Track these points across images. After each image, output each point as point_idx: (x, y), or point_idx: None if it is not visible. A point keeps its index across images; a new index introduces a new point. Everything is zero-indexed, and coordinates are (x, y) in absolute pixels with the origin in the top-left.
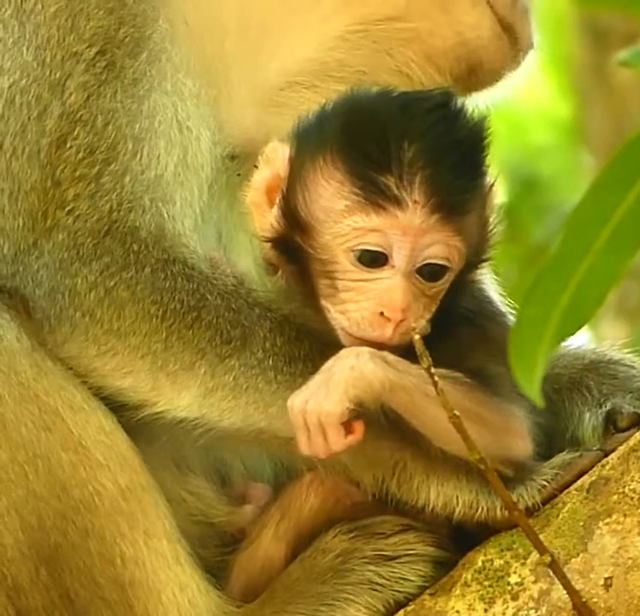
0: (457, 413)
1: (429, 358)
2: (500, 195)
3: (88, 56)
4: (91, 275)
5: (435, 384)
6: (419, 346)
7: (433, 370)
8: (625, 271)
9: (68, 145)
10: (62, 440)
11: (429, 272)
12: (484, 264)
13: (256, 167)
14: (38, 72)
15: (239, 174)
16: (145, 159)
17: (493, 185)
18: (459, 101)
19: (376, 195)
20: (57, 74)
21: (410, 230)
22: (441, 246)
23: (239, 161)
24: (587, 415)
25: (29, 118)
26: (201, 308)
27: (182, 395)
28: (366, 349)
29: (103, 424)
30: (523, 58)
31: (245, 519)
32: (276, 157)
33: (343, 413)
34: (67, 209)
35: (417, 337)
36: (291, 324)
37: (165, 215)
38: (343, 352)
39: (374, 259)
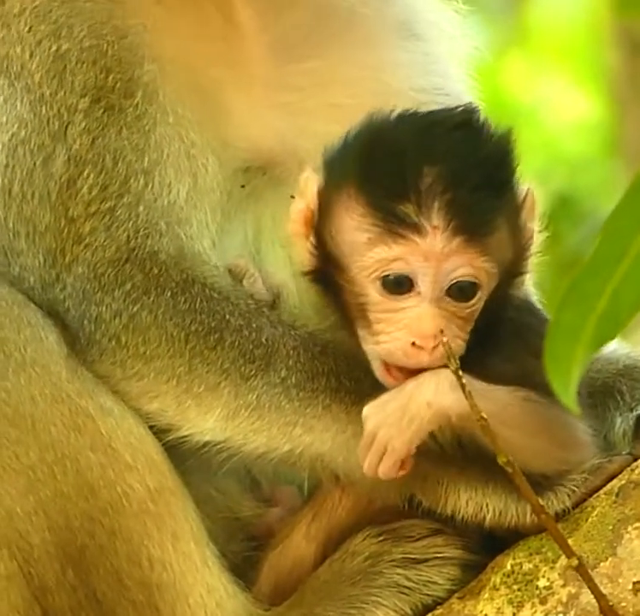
0: (484, 416)
1: (457, 361)
2: (539, 204)
3: (84, 106)
4: (114, 303)
5: (462, 386)
6: (446, 350)
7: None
8: None
9: (79, 186)
10: (91, 441)
11: (459, 292)
12: (524, 276)
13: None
14: (36, 124)
15: (242, 186)
16: (156, 188)
17: (528, 195)
18: (482, 117)
19: (395, 224)
20: (56, 125)
21: (432, 256)
22: (466, 268)
23: (254, 172)
24: (618, 419)
25: (35, 164)
26: (223, 329)
27: (207, 417)
28: (446, 375)
29: (133, 428)
30: None
31: (272, 519)
32: (308, 189)
33: (410, 451)
34: (84, 243)
35: (444, 339)
36: (315, 341)
37: (183, 236)
38: (424, 376)
39: (399, 284)
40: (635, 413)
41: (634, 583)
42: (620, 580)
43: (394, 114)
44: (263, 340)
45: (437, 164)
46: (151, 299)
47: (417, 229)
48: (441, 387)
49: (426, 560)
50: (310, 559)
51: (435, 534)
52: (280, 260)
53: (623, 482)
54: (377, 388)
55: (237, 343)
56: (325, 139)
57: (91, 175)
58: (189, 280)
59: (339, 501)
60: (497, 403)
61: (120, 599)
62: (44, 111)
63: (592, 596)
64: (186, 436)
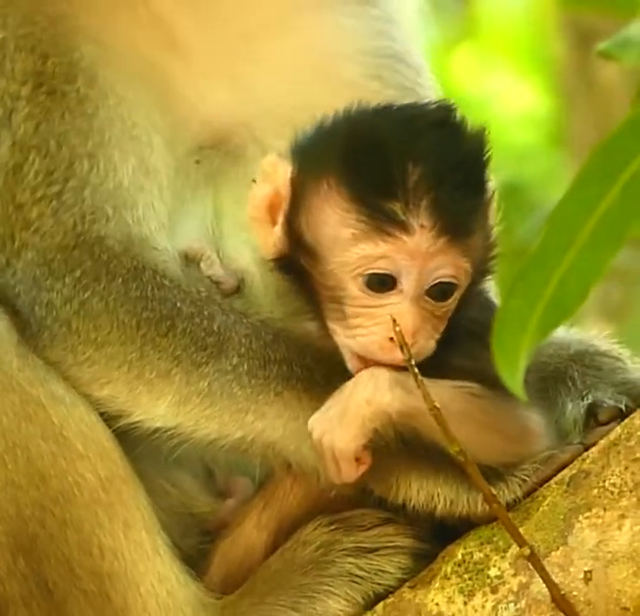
0: (437, 406)
1: (415, 369)
2: (498, 205)
3: (26, 92)
4: (64, 289)
5: (417, 380)
6: (407, 352)
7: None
8: (608, 266)
9: (25, 171)
10: (42, 430)
11: (438, 293)
12: (489, 275)
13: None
14: None
15: (197, 162)
16: (101, 172)
17: (492, 196)
18: (458, 114)
19: (382, 222)
20: (0, 113)
21: (418, 255)
22: (448, 268)
23: (208, 150)
24: (569, 406)
25: None
26: (174, 316)
27: (158, 404)
28: (384, 374)
29: (84, 416)
30: None
31: (226, 513)
32: (276, 174)
33: (357, 450)
34: (32, 229)
35: (397, 329)
36: (267, 328)
37: (129, 221)
38: (362, 376)
39: (382, 283)
40: (586, 402)
41: (585, 573)
42: (571, 569)
43: (371, 107)
44: (215, 327)
45: (421, 162)
46: (102, 285)
47: (405, 227)
48: (380, 384)
49: (377, 549)
50: (261, 547)
51: (386, 523)
52: (242, 244)
53: (574, 471)
54: (328, 376)
55: (189, 330)
56: (275, 110)
57: (37, 161)
58: (139, 267)
59: (290, 490)
60: (442, 398)
61: (71, 588)
62: None
63: (543, 585)
64: (136, 422)
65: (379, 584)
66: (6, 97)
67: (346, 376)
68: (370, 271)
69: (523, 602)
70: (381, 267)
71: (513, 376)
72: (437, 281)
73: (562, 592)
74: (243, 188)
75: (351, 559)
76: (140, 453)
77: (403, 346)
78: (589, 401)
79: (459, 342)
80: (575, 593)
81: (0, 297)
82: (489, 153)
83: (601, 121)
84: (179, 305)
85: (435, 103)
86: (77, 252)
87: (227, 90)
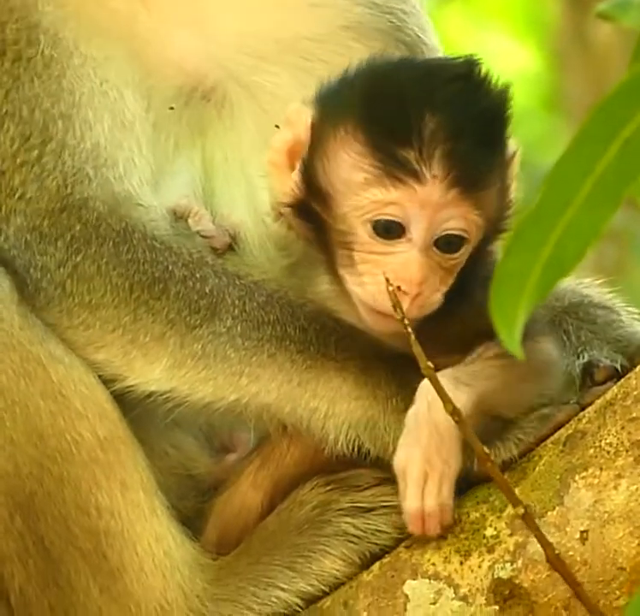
0: (430, 364)
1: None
2: (519, 164)
3: None
4: (57, 252)
5: (410, 336)
6: (399, 312)
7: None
8: (605, 226)
9: (2, 139)
10: (42, 388)
11: (446, 244)
12: (503, 234)
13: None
14: None
15: (171, 108)
16: (77, 132)
17: (515, 153)
18: (482, 69)
19: (395, 168)
20: None
21: (428, 204)
22: (458, 220)
23: (189, 97)
24: (564, 362)
25: None
26: (167, 279)
27: (153, 367)
28: (443, 380)
29: (83, 377)
30: None
31: (227, 468)
32: (299, 121)
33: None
34: (17, 195)
35: (413, 338)
36: (260, 290)
37: (111, 179)
38: (423, 392)
39: (390, 230)
40: (581, 360)
41: (581, 533)
42: (568, 529)
43: (396, 57)
44: (208, 289)
45: (439, 112)
46: (94, 249)
47: (417, 176)
48: (449, 391)
49: (374, 509)
50: (257, 508)
51: (383, 483)
52: (236, 199)
53: (570, 431)
54: (322, 335)
55: (182, 293)
56: (245, 45)
57: (11, 128)
58: (129, 229)
59: (286, 450)
60: (480, 382)
61: (67, 546)
62: None
63: (539, 545)
64: (131, 386)
65: (375, 544)
66: None
67: (341, 333)
68: (380, 217)
69: (519, 562)
70: (390, 213)
71: (511, 336)
72: (446, 233)
73: (558, 552)
74: (233, 140)
75: (347, 519)
76: (138, 415)
77: (395, 304)
78: (585, 361)
79: (472, 298)
80: (571, 553)
81: (1, 258)
82: (511, 111)
83: (596, 82)
84: (171, 267)
85: (461, 57)
86: (65, 216)
87: (192, 31)
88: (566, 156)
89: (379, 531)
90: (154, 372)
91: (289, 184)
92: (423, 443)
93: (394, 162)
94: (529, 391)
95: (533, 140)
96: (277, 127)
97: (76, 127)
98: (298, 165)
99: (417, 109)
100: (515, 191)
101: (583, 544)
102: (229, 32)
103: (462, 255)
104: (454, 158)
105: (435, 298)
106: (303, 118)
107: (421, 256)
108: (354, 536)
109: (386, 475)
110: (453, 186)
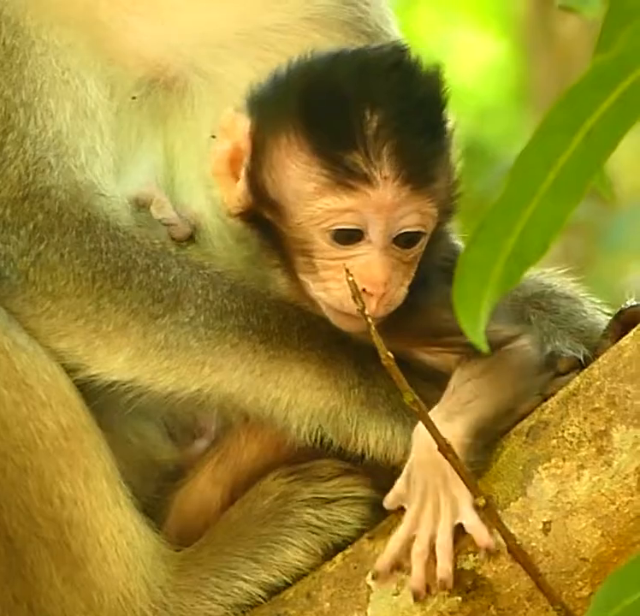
0: (390, 355)
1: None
2: (458, 142)
3: None
4: (20, 241)
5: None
6: (360, 302)
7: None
8: (569, 217)
9: None
10: (5, 377)
11: (406, 240)
12: (453, 214)
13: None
14: None
15: (133, 98)
16: (39, 121)
17: (453, 133)
18: (412, 55)
19: (344, 175)
20: None
21: (383, 207)
22: (414, 216)
23: (151, 87)
24: (544, 353)
25: None
26: (130, 269)
27: (116, 357)
28: (440, 419)
29: (46, 366)
30: None
31: (192, 457)
32: (234, 129)
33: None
34: None
35: (373, 329)
36: (223, 279)
37: (73, 168)
38: (417, 437)
39: (350, 237)
40: (544, 352)
41: (544, 524)
42: (530, 520)
43: (327, 52)
44: (171, 279)
45: (378, 109)
46: (56, 238)
47: (368, 180)
48: (444, 425)
49: (336, 500)
50: (216, 502)
51: (345, 474)
52: (195, 189)
53: (533, 422)
54: (285, 324)
55: (145, 283)
56: (206, 34)
57: None
58: (91, 218)
59: (245, 445)
60: (471, 406)
61: (31, 536)
62: None
63: (500, 536)
64: (94, 375)
65: (338, 535)
66: None
67: (304, 323)
68: (337, 226)
69: (482, 553)
70: (347, 222)
71: (475, 328)
72: (404, 230)
73: (520, 543)
74: (193, 129)
75: (309, 510)
76: (101, 403)
77: (356, 298)
78: (547, 352)
79: (432, 283)
80: (534, 544)
81: None
82: (447, 93)
83: (562, 75)
84: (134, 256)
85: (390, 45)
86: (27, 205)
87: (152, 21)
88: (530, 147)
89: (342, 522)
90: (116, 362)
91: (236, 194)
92: (428, 495)
93: (342, 169)
94: (519, 396)
95: (501, 133)
96: (213, 137)
97: (37, 115)
98: (242, 174)
99: (357, 108)
100: (458, 167)
101: (546, 535)
102: (190, 21)
103: (420, 247)
104: (402, 156)
105: (401, 293)
106: (239, 126)
107: (382, 256)
108: (317, 527)
109: (348, 466)
110: (405, 184)
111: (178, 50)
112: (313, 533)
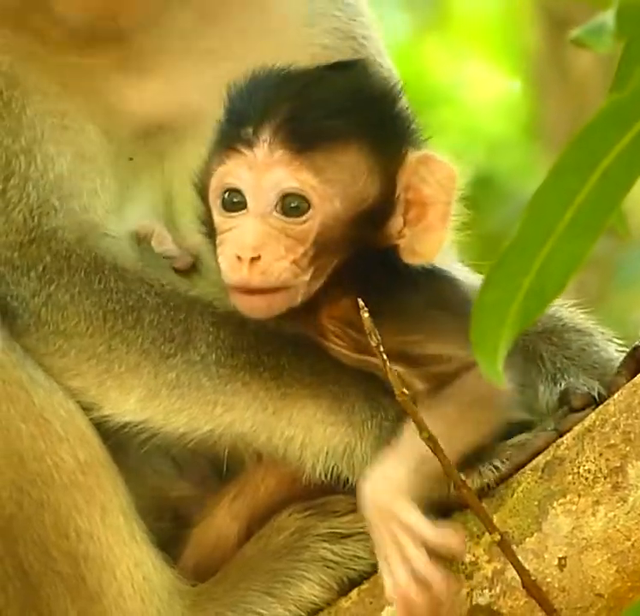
0: (405, 391)
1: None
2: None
3: None
4: (31, 282)
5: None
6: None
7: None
8: (587, 255)
9: None
10: (23, 411)
11: (286, 207)
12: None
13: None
14: None
15: (131, 159)
16: (39, 166)
17: (425, 160)
18: (363, 68)
19: (234, 142)
20: None
21: (254, 165)
22: (290, 181)
23: (152, 134)
24: (541, 388)
25: None
26: (141, 308)
27: (128, 398)
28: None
29: (63, 402)
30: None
31: (207, 493)
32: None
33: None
34: None
35: (365, 316)
36: (233, 316)
37: (77, 209)
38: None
39: (234, 204)
40: (558, 388)
41: (559, 559)
42: (546, 555)
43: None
44: (182, 317)
45: (282, 91)
46: (66, 278)
47: (248, 143)
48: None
49: (352, 535)
50: (233, 537)
51: (360, 509)
52: (194, 221)
53: (548, 457)
54: (294, 362)
55: (156, 322)
56: (215, 90)
57: None
58: (99, 259)
59: (262, 481)
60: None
61: (47, 570)
62: None
63: (516, 572)
64: (106, 416)
65: (353, 570)
66: None
67: (314, 358)
68: (221, 190)
69: (497, 588)
70: (228, 183)
71: (493, 367)
72: (283, 194)
73: (535, 578)
74: (189, 166)
75: (325, 545)
76: (116, 441)
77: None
78: (562, 388)
79: (400, 296)
80: (549, 579)
81: None
82: (395, 107)
83: (574, 110)
84: (144, 296)
85: (351, 61)
86: (34, 247)
87: (154, 75)
88: (546, 185)
89: (357, 557)
90: (129, 403)
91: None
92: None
93: (234, 138)
94: (477, 427)
95: (512, 168)
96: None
97: (38, 160)
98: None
99: (265, 92)
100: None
101: (562, 571)
102: (191, 74)
103: (308, 221)
104: (287, 124)
105: (281, 266)
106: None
107: (256, 221)
108: (332, 561)
109: None
110: (280, 147)
111: (178, 100)
112: (328, 568)
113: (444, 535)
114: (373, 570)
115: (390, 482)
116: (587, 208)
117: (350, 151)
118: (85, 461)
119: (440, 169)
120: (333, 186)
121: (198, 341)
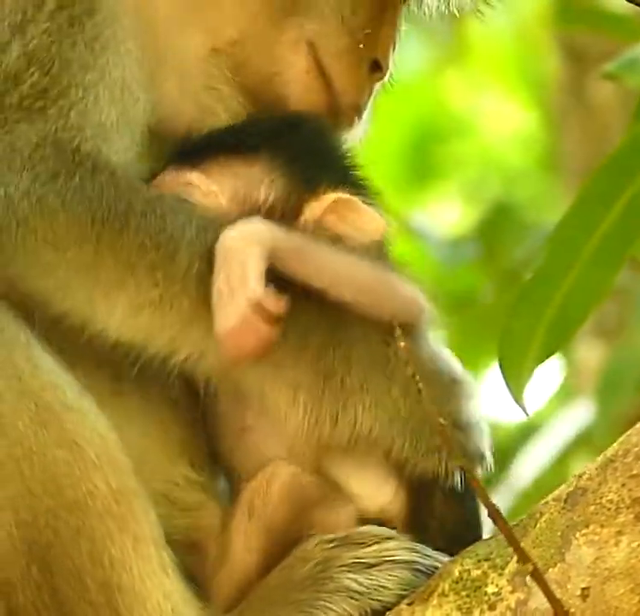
0: (443, 422)
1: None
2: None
3: (50, 7)
4: (21, 183)
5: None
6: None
7: None
8: (610, 285)
9: (22, 80)
10: (57, 437)
11: None
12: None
13: None
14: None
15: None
16: (90, 105)
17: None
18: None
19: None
20: (19, 17)
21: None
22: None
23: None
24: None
25: None
26: (129, 213)
27: (114, 311)
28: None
29: (96, 425)
30: (349, 116)
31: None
32: None
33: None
34: (5, 129)
35: (402, 344)
36: (217, 226)
37: (103, 149)
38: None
39: None
40: None
41: (582, 590)
42: (569, 586)
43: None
44: (167, 225)
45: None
46: (60, 183)
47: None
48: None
49: (376, 565)
50: (254, 568)
51: (387, 540)
52: None
53: (571, 488)
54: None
55: (142, 228)
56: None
57: (36, 75)
58: (99, 168)
59: (268, 494)
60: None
61: (79, 600)
62: (9, 1)
63: (540, 602)
64: (101, 331)
65: (377, 600)
66: (29, 6)
67: None
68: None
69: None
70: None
71: (519, 392)
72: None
73: (567, 609)
74: None
75: (350, 575)
76: None
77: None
78: None
79: None
80: (573, 610)
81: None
82: (325, 144)
83: (593, 142)
84: (133, 202)
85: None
86: (47, 149)
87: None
88: (569, 216)
89: (381, 587)
90: (115, 316)
91: None
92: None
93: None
94: (393, 304)
95: (531, 199)
96: None
97: (90, 100)
98: None
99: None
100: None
101: (585, 601)
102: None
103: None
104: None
105: None
106: None
107: None
108: (356, 591)
109: (391, 533)
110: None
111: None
112: (352, 598)
113: (266, 294)
114: (397, 600)
115: (252, 233)
116: (611, 238)
117: (253, 164)
118: (118, 489)
119: (364, 215)
120: (224, 188)
121: (180, 253)
